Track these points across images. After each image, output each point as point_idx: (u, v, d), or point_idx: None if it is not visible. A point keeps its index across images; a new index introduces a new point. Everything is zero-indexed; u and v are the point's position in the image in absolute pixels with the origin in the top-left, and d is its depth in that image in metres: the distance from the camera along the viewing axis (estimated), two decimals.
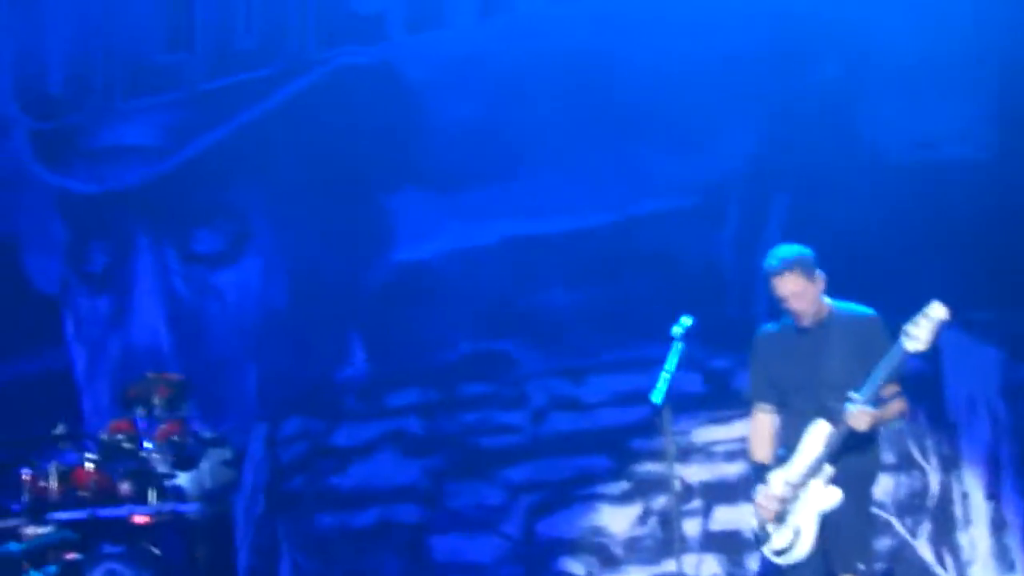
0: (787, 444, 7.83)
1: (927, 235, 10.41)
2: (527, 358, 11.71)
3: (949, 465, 9.36)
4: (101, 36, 14.05)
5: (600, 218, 11.54)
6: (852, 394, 7.48)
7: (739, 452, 9.79)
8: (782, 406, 7.95)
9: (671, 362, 8.31)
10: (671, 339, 8.39)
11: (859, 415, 7.44)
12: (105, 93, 13.89)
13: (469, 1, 12.44)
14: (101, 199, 13.71)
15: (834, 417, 7.58)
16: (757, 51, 11.23)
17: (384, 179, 12.50)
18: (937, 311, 7.36)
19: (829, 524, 7.64)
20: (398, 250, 12.41)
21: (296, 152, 12.85)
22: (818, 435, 7.61)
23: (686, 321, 8.42)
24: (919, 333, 7.32)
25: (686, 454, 9.99)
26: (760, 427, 8.00)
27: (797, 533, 7.68)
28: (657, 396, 8.20)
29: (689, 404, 9.84)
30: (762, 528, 7.81)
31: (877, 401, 7.51)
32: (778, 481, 7.70)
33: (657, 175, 11.41)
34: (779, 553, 7.71)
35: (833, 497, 7.60)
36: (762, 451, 7.93)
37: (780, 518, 7.69)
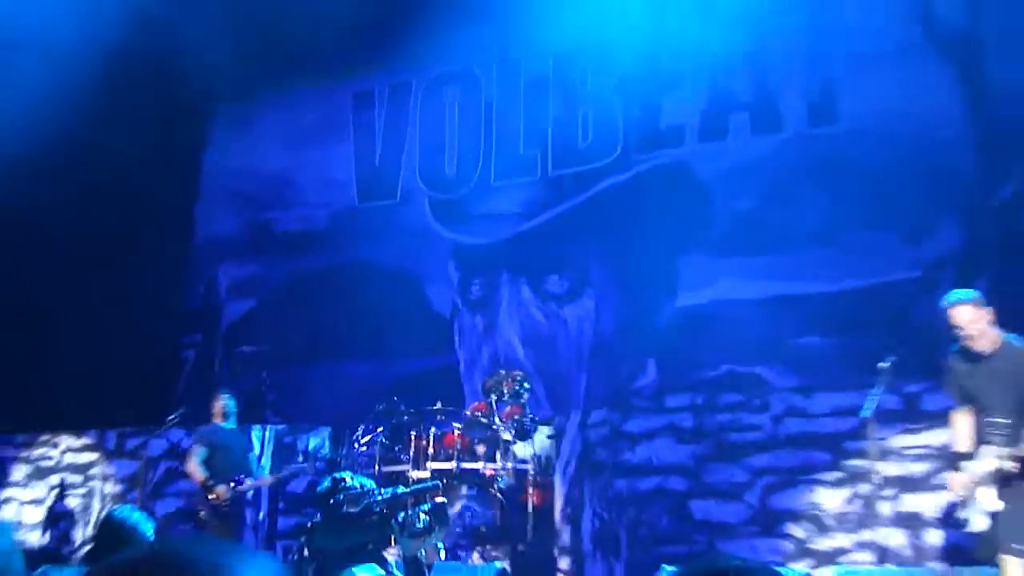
0: (979, 440, 8.18)
1: None
2: (773, 379, 12.09)
3: None
4: (482, 136, 15.09)
5: (844, 284, 12.09)
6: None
7: (924, 456, 10.07)
8: (972, 410, 8.30)
9: (878, 387, 9.03)
10: (878, 370, 9.10)
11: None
12: (483, 174, 14.96)
13: (745, 120, 13.14)
14: (480, 249, 14.76)
15: (1010, 438, 7.95)
16: (963, 173, 11.84)
17: (677, 245, 13.19)
18: None
19: (1003, 512, 7.98)
20: (683, 297, 13.08)
21: (616, 223, 13.66)
22: (999, 454, 7.97)
23: (890, 358, 9.00)
24: None
25: (884, 454, 10.03)
26: (958, 425, 8.35)
27: (977, 512, 8.09)
28: (866, 411, 9.06)
29: (889, 418, 10.04)
30: (960, 498, 8.24)
31: None
32: (965, 476, 8.14)
33: (890, 255, 11.94)
34: (966, 521, 8.18)
35: (997, 505, 7.98)
36: (961, 444, 8.29)
37: (966, 502, 8.14)
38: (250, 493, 12.85)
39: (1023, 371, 8.12)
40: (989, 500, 8.08)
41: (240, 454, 12.81)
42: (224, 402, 13.07)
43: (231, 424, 13.04)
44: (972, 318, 8.25)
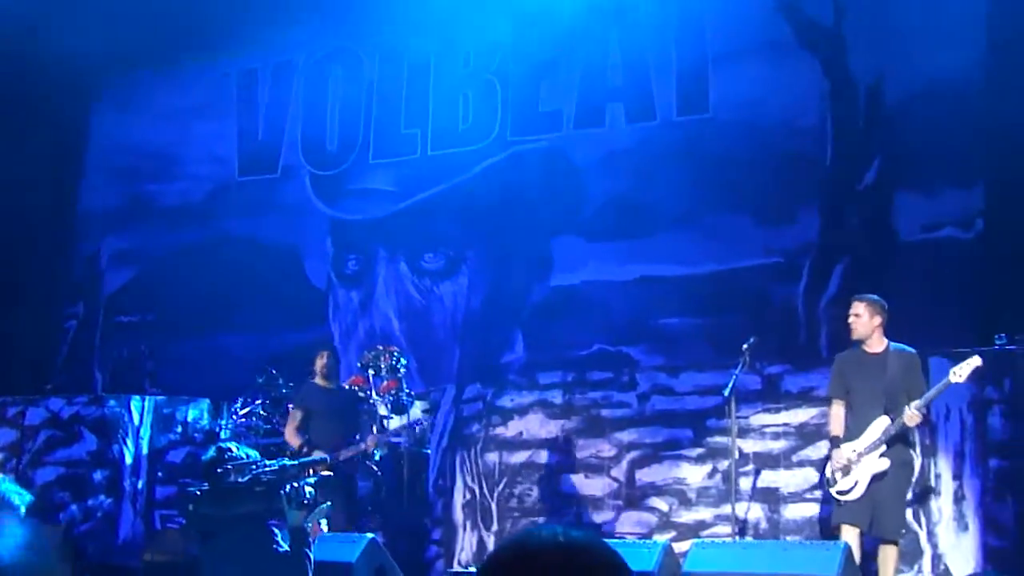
0: (850, 426, 9.04)
1: (928, 293, 11.14)
2: (641, 358, 12.34)
3: (929, 453, 9.60)
4: (369, 112, 15.01)
5: (708, 268, 12.44)
6: (912, 403, 8.72)
7: (783, 433, 10.35)
8: (847, 401, 9.13)
9: (739, 367, 9.46)
10: (741, 352, 9.51)
11: (915, 415, 8.76)
12: (362, 152, 14.94)
13: (619, 110, 13.30)
14: (357, 225, 14.82)
15: (891, 414, 8.83)
16: (824, 163, 12.15)
17: (551, 228, 13.42)
18: (975, 360, 8.63)
19: (878, 490, 8.84)
20: (555, 277, 13.31)
21: (493, 204, 13.77)
22: (880, 424, 8.86)
23: (751, 340, 9.53)
24: (961, 372, 8.62)
25: (744, 432, 10.27)
26: (836, 413, 9.17)
27: (856, 483, 8.84)
28: (727, 390, 9.41)
29: (749, 397, 10.35)
30: (832, 475, 8.98)
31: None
32: (848, 449, 8.93)
33: (752, 240, 12.28)
34: (841, 493, 8.90)
35: (884, 464, 8.83)
36: (837, 429, 9.11)
37: (846, 471, 8.87)
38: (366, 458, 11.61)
39: (899, 373, 8.92)
40: (874, 463, 8.80)
41: (342, 416, 11.34)
42: (326, 360, 11.46)
43: (333, 384, 11.55)
44: (858, 312, 9.10)
